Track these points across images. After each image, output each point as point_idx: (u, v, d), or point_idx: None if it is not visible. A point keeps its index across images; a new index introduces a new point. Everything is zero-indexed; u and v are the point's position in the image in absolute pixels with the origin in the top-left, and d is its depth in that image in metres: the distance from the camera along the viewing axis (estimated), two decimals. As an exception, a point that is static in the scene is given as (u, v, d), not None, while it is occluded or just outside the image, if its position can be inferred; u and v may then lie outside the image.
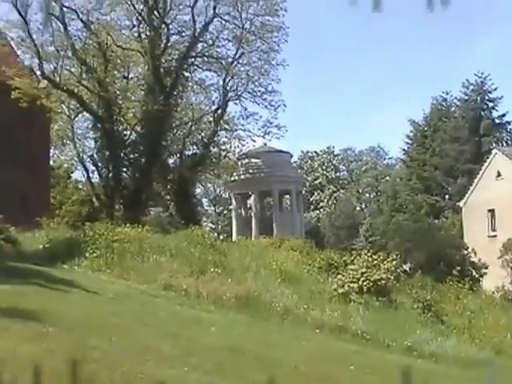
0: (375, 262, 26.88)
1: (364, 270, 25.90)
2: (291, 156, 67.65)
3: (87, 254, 24.84)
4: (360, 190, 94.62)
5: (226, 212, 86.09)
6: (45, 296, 16.41)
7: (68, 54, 42.44)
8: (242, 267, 27.02)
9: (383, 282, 25.93)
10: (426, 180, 67.60)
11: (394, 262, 28.11)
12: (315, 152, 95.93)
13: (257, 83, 47.31)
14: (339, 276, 26.47)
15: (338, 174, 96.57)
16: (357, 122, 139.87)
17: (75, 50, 41.63)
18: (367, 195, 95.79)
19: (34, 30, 40.81)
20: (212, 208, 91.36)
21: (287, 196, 64.97)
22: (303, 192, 71.27)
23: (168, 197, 49.36)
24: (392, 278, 27.06)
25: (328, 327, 20.84)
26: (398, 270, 29.98)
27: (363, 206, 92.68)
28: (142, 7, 42.60)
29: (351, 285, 25.34)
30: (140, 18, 43.02)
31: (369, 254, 27.23)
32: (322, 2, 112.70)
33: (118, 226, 28.14)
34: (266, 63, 46.92)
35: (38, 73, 42.00)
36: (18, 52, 44.70)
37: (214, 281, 23.18)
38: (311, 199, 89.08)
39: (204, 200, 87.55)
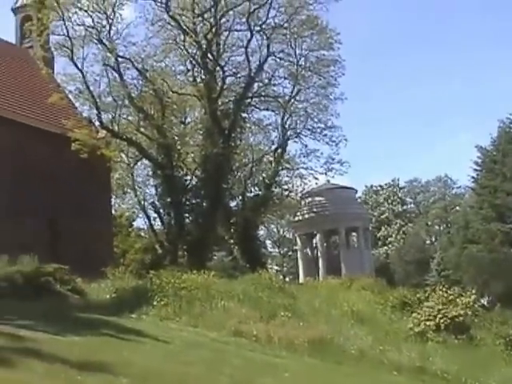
0: (451, 297, 25.73)
1: (440, 307, 24.82)
2: (355, 191, 66.64)
3: (155, 303, 24.36)
4: (429, 223, 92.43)
5: (291, 253, 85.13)
6: (115, 347, 15.93)
7: (125, 103, 42.62)
8: (313, 309, 26.18)
9: (461, 318, 24.75)
10: (499, 207, 64.93)
11: (473, 297, 26.86)
12: (380, 186, 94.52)
13: (316, 119, 46.83)
14: (414, 314, 25.43)
15: (404, 207, 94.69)
16: (421, 151, 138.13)
17: (132, 98, 41.75)
18: (437, 227, 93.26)
19: (91, 81, 41.19)
20: (276, 249, 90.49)
21: (354, 233, 63.89)
22: (370, 228, 69.83)
23: (231, 240, 48.78)
24: (470, 313, 25.88)
25: (406, 368, 19.71)
26: (476, 305, 28.66)
27: (433, 239, 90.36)
28: (195, 51, 42.60)
29: (427, 323, 24.27)
30: (194, 62, 43.05)
31: (444, 290, 26.11)
32: (380, 32, 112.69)
33: (183, 273, 27.58)
34: (323, 98, 46.51)
35: (97, 123, 42.29)
36: (77, 104, 45.19)
37: (284, 325, 22.35)
38: (378, 235, 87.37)
39: (268, 242, 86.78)
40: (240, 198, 48.14)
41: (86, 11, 40.03)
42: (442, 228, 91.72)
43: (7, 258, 26.59)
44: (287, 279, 58.49)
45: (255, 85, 44.56)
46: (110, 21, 40.14)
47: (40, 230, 39.13)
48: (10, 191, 38.19)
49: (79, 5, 39.72)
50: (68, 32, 40.26)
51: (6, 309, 20.52)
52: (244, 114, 45.00)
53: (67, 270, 27.75)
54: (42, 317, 19.12)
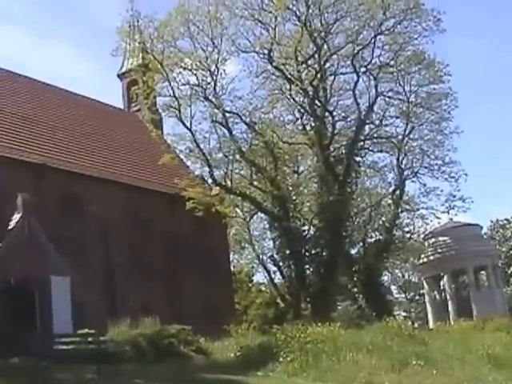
0: None
1: None
2: (481, 228, 63.97)
3: (280, 359, 23.71)
4: None
5: (418, 297, 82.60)
6: None
7: (236, 158, 42.51)
8: (446, 356, 24.53)
9: None
10: None
11: None
12: (506, 219, 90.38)
13: (432, 156, 45.06)
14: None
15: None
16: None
17: (243, 152, 41.61)
18: None
19: (201, 139, 41.36)
20: (403, 295, 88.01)
21: (483, 272, 61.27)
22: (500, 265, 66.65)
23: (355, 289, 47.45)
24: None
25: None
26: None
27: None
28: (302, 99, 42.18)
29: None
30: (302, 110, 42.59)
31: None
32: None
33: (308, 326, 26.64)
34: (438, 134, 44.77)
35: (210, 180, 42.40)
36: (188, 163, 45.60)
37: (417, 374, 20.98)
38: (509, 271, 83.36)
39: (393, 287, 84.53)
40: (361, 244, 46.92)
41: (189, 70, 40.43)
42: None
43: (129, 320, 26.57)
44: (416, 325, 56.40)
45: (366, 127, 43.54)
46: (215, 77, 40.36)
47: (160, 290, 39.34)
48: (130, 253, 38.67)
49: (183, 64, 40.13)
50: (174, 92, 40.72)
51: (132, 373, 20.32)
52: (357, 158, 43.96)
53: (190, 330, 27.52)
54: (168, 380, 18.78)
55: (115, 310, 34.19)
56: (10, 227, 29.47)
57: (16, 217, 29.86)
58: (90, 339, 21.08)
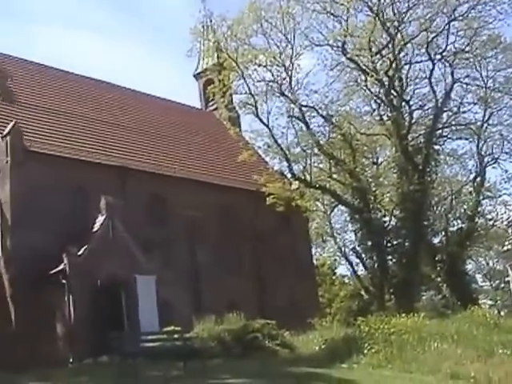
0: None
1: None
2: None
3: (365, 351, 23.71)
4: None
5: (503, 285, 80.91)
6: None
7: (314, 151, 42.53)
8: (535, 344, 24.17)
9: None
10: None
11: None
12: None
13: (512, 141, 44.21)
14: None
15: None
16: None
17: (321, 145, 41.59)
18: None
19: (278, 134, 41.56)
20: (488, 283, 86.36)
21: None
22: None
23: (439, 278, 46.89)
24: None
25: None
26: None
27: None
28: (378, 90, 41.84)
29: None
30: (378, 100, 42.26)
31: None
32: None
33: (391, 317, 26.59)
34: (518, 118, 43.85)
35: (289, 175, 42.56)
36: (267, 158, 45.90)
37: (503, 363, 20.52)
38: None
39: (478, 276, 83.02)
40: (443, 233, 46.33)
41: (264, 66, 40.69)
42: None
43: (214, 316, 27.03)
44: (502, 313, 55.24)
45: (444, 115, 42.87)
46: (290, 72, 40.50)
47: (244, 286, 39.78)
48: (214, 250, 39.30)
49: (257, 61, 40.41)
50: (250, 89, 41.09)
51: (218, 368, 20.70)
52: (436, 147, 43.34)
53: (274, 325, 27.79)
54: (254, 374, 19.03)
55: (200, 307, 34.79)
56: (94, 230, 30.37)
57: (100, 219, 30.76)
58: (176, 336, 21.55)
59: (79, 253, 29.16)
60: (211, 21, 43.79)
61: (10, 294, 30.86)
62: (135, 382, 17.43)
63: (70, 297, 28.33)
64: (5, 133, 32.55)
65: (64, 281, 28.55)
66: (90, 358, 25.17)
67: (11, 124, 32.64)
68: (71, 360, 27.04)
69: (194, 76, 55.54)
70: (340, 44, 40.66)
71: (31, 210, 30.95)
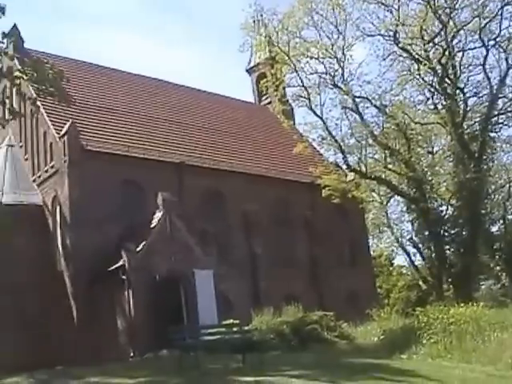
0: None
1: None
2: None
3: (424, 341, 23.73)
4: None
5: None
6: None
7: (369, 142, 42.28)
8: None
9: None
10: None
11: None
12: None
13: None
14: None
15: None
16: None
17: (375, 136, 41.35)
18: None
19: (332, 126, 41.45)
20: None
21: None
22: None
23: (498, 267, 46.34)
24: None
25: None
26: None
27: None
28: (431, 78, 41.36)
29: None
30: (432, 89, 41.76)
31: None
32: None
33: (450, 307, 26.41)
34: None
35: (344, 167, 42.42)
36: (321, 150, 45.88)
37: None
38: None
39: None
40: (501, 221, 45.78)
41: (316, 59, 40.60)
42: None
43: (273, 309, 27.22)
44: None
45: (499, 101, 42.03)
46: (342, 63, 40.34)
47: (302, 279, 39.96)
48: (271, 243, 39.54)
49: (309, 54, 40.33)
50: (302, 82, 41.06)
51: (277, 360, 20.84)
52: (492, 134, 42.61)
53: (332, 316, 27.87)
54: (313, 365, 19.13)
55: (259, 300, 35.10)
56: (152, 226, 30.81)
57: (157, 215, 31.18)
58: (235, 329, 21.72)
59: (138, 249, 29.60)
60: (262, 15, 43.75)
61: (71, 291, 31.59)
62: (196, 375, 17.67)
63: (130, 292, 28.76)
64: (62, 133, 33.28)
65: (123, 277, 29.00)
66: (150, 352, 25.57)
67: (68, 124, 33.34)
68: (132, 354, 27.51)
69: (247, 71, 55.90)
70: (392, 33, 40.32)
71: (89, 208, 31.59)
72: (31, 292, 31.87)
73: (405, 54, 41.03)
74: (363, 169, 41.57)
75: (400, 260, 57.48)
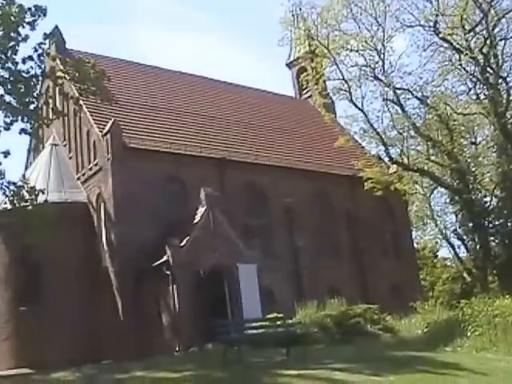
0: None
1: None
2: None
3: (468, 334, 23.41)
4: None
5: None
6: (432, 382, 15.59)
7: (411, 134, 41.99)
8: None
9: None
10: None
11: None
12: None
13: None
14: None
15: None
16: None
17: (417, 128, 41.05)
18: None
19: (374, 118, 41.22)
20: None
21: None
22: None
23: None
24: None
25: None
26: None
27: None
28: (473, 68, 40.89)
29: None
30: (474, 79, 41.23)
31: None
32: None
33: (495, 299, 26.15)
34: None
35: (386, 159, 42.18)
36: (363, 143, 45.71)
37: None
38: None
39: None
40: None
41: (356, 51, 40.36)
42: None
43: (316, 302, 27.25)
44: None
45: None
46: (382, 55, 40.05)
47: (346, 271, 39.96)
48: (314, 237, 39.61)
49: (349, 46, 40.13)
50: (343, 75, 40.86)
51: (320, 353, 20.89)
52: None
53: (376, 309, 27.79)
54: (356, 358, 19.12)
55: (302, 293, 35.18)
56: (195, 221, 31.07)
57: (200, 210, 31.43)
58: (278, 323, 21.83)
59: (181, 244, 29.90)
60: (301, 9, 43.65)
61: (116, 287, 32.03)
62: (240, 368, 17.81)
63: (174, 287, 29.09)
64: (105, 131, 33.71)
65: (168, 272, 29.33)
66: (195, 346, 25.85)
67: (110, 122, 33.75)
68: (177, 348, 27.82)
69: (287, 65, 56.01)
70: (432, 24, 39.92)
71: (133, 204, 32.00)
72: (77, 288, 32.42)
73: (445, 45, 40.60)
74: (405, 161, 41.30)
75: (444, 252, 57.27)
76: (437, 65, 42.16)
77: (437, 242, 53.75)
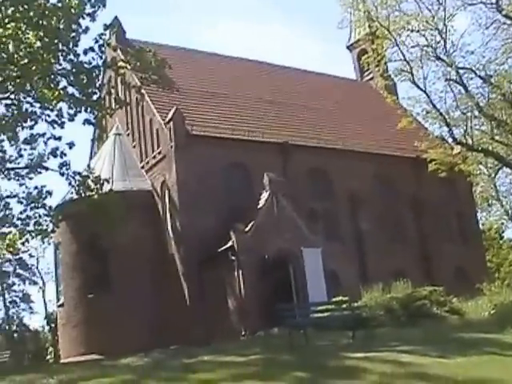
0: None
1: None
2: None
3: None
4: None
5: None
6: (499, 364, 15.31)
7: (475, 114, 41.28)
8: None
9: None
10: None
11: None
12: None
13: None
14: None
15: None
16: None
17: (481, 107, 40.37)
18: None
19: (436, 99, 40.68)
20: None
21: None
22: None
23: None
24: None
25: None
26: None
27: None
28: (535, 45, 40.13)
29: None
30: (536, 56, 40.49)
31: None
32: None
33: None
34: None
35: (450, 140, 41.63)
36: (426, 125, 45.15)
37: None
38: None
39: None
40: None
41: (417, 32, 39.78)
42: None
43: (381, 285, 27.19)
44: None
45: None
46: (444, 35, 39.38)
47: (410, 254, 39.67)
48: (378, 220, 39.47)
49: (410, 27, 39.59)
50: (404, 56, 40.31)
51: (387, 336, 20.89)
52: None
53: (442, 291, 27.59)
54: (422, 341, 19.10)
55: (367, 277, 35.11)
56: (259, 206, 31.28)
57: (264, 195, 31.63)
58: (344, 306, 21.91)
59: (246, 229, 30.16)
60: (360, -10, 43.38)
61: (182, 273, 32.52)
62: (306, 352, 17.95)
63: (240, 272, 29.39)
64: (168, 119, 34.12)
65: (233, 257, 29.65)
66: (261, 330, 26.08)
67: (173, 110, 34.14)
68: (243, 333, 28.12)
69: (348, 47, 55.69)
70: (494, 1, 39.23)
71: (197, 191, 32.39)
72: (144, 275, 33.00)
73: (509, 22, 39.74)
74: (469, 141, 40.69)
75: (510, 233, 56.33)
76: (500, 42, 41.28)
77: (503, 223, 53.15)
